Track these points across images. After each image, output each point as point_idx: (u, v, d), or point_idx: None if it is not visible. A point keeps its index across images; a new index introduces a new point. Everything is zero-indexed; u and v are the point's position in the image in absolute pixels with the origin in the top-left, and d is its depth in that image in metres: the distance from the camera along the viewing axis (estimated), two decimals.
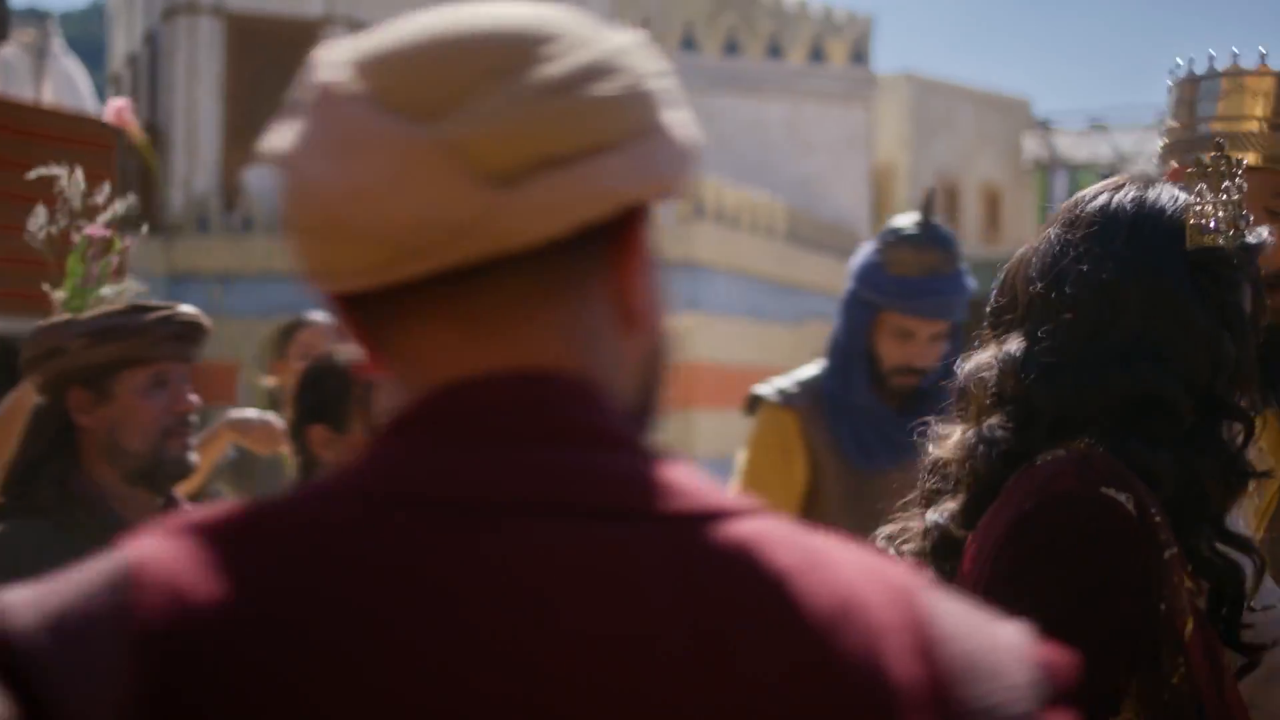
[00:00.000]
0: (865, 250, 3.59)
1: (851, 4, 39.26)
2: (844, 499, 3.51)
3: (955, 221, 27.91)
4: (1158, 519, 1.48)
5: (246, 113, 15.16)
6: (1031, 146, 27.36)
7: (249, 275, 13.86)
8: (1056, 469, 1.54)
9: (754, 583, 0.85)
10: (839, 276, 13.78)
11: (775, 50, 16.72)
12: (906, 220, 3.60)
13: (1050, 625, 0.98)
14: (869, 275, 3.50)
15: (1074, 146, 27.03)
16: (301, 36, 15.57)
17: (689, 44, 16.60)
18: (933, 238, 3.52)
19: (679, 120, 0.91)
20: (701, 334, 13.42)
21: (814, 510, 3.53)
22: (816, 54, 16.78)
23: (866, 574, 0.88)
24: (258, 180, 13.61)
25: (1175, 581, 1.48)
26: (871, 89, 17.02)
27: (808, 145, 16.81)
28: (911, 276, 3.45)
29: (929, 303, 3.44)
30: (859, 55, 17.02)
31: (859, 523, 3.57)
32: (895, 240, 3.53)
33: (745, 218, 14.14)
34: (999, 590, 1.46)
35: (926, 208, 3.57)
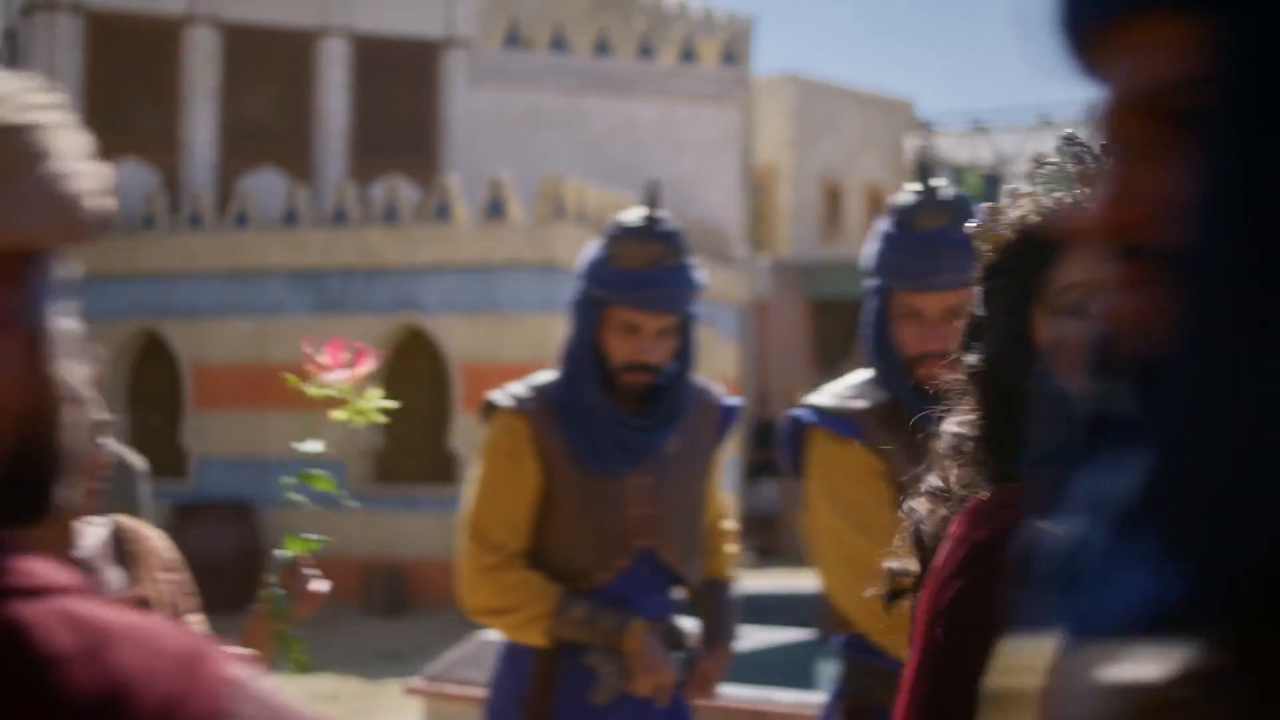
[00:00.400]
0: (591, 247, 3.54)
1: (732, 4, 39.38)
2: (579, 504, 3.46)
3: (839, 223, 28.03)
4: None
5: (106, 109, 14.92)
6: (914, 148, 27.56)
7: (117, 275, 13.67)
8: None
9: (12, 671, 0.79)
10: (710, 278, 13.69)
11: (647, 51, 16.69)
12: (632, 214, 3.52)
13: None
14: (594, 271, 3.44)
15: (956, 148, 27.28)
16: (162, 34, 15.35)
17: (559, 44, 16.53)
18: (656, 230, 3.45)
19: (64, 174, 0.85)
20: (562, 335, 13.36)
21: (550, 516, 3.48)
22: (688, 54, 16.76)
23: (151, 654, 0.82)
24: (121, 177, 13.40)
25: None
26: (744, 90, 17.02)
27: (679, 147, 16.79)
28: (635, 269, 3.38)
29: (652, 295, 3.37)
30: (731, 56, 17.02)
31: (596, 526, 3.54)
32: (619, 234, 3.46)
33: (609, 219, 14.09)
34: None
35: (651, 201, 3.52)
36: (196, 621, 2.42)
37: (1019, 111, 27.77)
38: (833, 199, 27.84)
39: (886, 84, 65.88)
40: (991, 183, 28.05)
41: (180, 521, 12.30)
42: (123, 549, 2.35)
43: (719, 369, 16.31)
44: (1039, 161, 1.71)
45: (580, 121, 16.42)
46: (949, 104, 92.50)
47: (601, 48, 16.58)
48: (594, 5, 21.21)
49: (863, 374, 3.07)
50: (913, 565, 1.66)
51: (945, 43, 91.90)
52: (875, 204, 28.79)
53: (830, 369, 25.55)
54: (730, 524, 3.84)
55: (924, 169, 3.12)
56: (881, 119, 28.37)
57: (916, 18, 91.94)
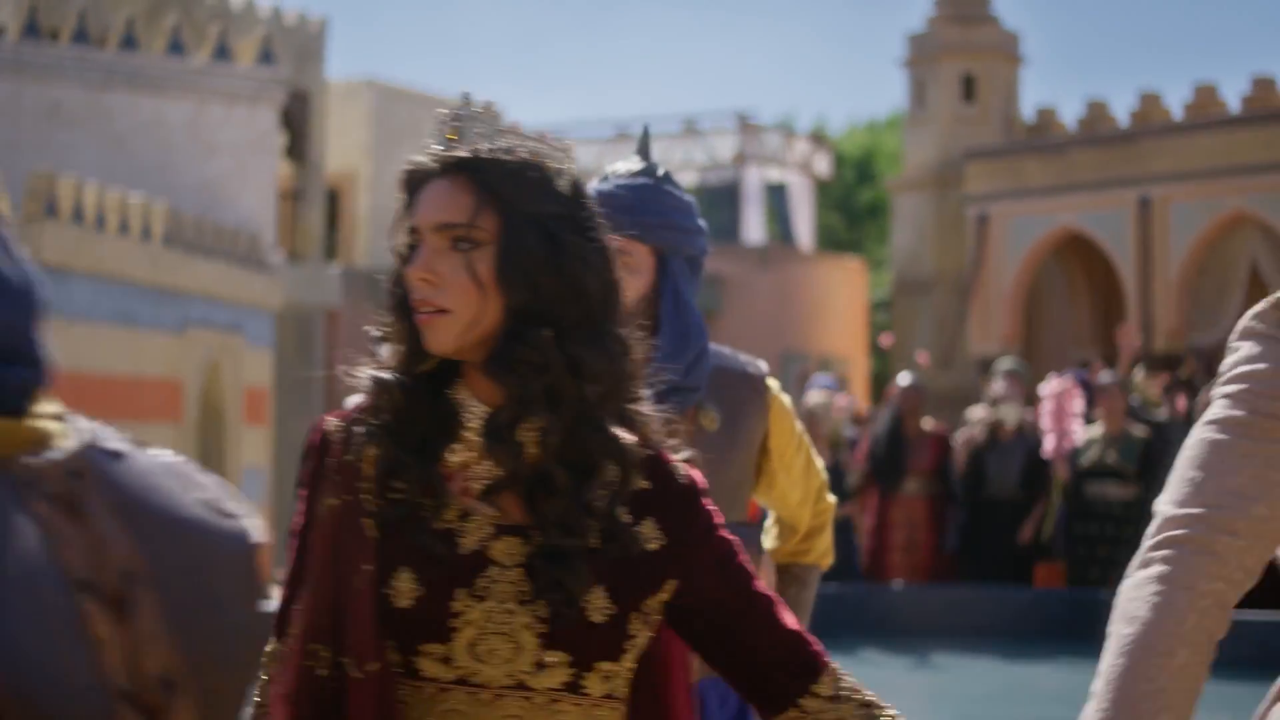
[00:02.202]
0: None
1: (305, 6, 38.71)
2: None
3: None
4: None
5: None
6: None
7: None
8: None
9: None
10: (236, 283, 13.21)
11: (178, 47, 16.05)
12: (626, 164, 3.26)
13: None
14: None
15: None
16: None
17: (83, 36, 15.76)
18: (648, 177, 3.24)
19: None
20: (53, 340, 12.65)
21: None
22: (222, 52, 16.20)
23: None
24: None
25: None
26: (279, 91, 16.55)
27: (211, 147, 16.21)
28: None
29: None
30: (267, 55, 16.52)
31: None
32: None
33: (113, 219, 13.44)
34: None
35: (643, 150, 3.27)
36: None
37: (597, 125, 27.94)
38: None
39: (477, 91, 67.05)
40: None
41: None
42: None
43: (249, 377, 15.79)
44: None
45: (104, 118, 15.68)
46: (535, 115, 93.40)
47: (129, 42, 15.86)
48: (155, 3, 20.43)
49: None
50: None
51: (535, 50, 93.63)
52: None
53: None
54: (827, 503, 3.57)
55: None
56: None
57: (505, 25, 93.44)
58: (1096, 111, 23.27)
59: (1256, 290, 20.30)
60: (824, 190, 39.97)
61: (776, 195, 27.03)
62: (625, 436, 1.98)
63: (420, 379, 1.99)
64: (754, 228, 26.23)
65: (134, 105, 15.86)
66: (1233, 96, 21.91)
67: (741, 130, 25.95)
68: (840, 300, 26.43)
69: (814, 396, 11.56)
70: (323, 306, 21.86)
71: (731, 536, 2.08)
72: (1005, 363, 12.27)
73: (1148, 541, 2.10)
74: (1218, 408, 2.16)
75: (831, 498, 3.61)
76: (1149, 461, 10.67)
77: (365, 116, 26.04)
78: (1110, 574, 10.60)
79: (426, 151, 1.98)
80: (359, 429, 1.98)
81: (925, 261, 24.31)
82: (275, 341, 17.10)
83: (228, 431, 15.39)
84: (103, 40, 16.40)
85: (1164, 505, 2.11)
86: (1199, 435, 2.15)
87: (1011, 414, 11.21)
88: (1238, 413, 2.14)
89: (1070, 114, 24.18)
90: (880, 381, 25.56)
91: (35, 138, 15.38)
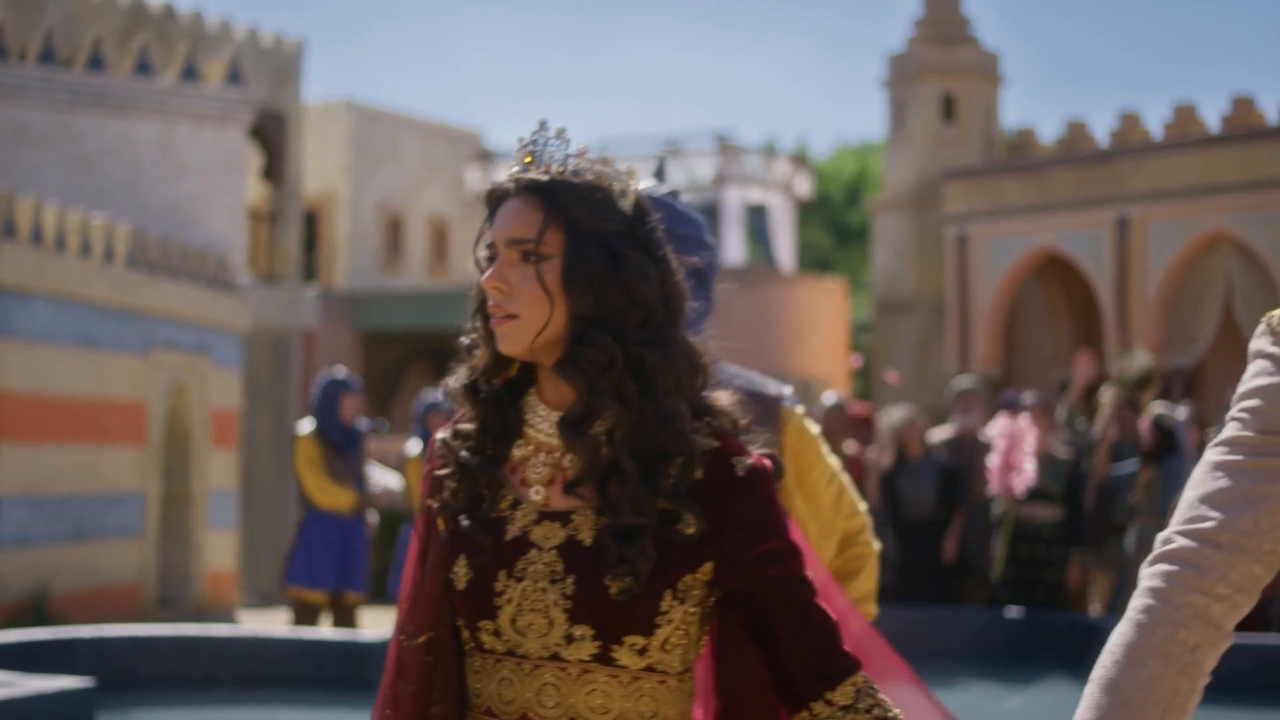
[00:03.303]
0: None
1: (282, 26, 38.69)
2: None
3: (401, 253, 27.67)
4: None
5: None
6: (475, 178, 27.41)
7: None
8: None
9: None
10: (203, 304, 13.10)
11: (145, 68, 15.97)
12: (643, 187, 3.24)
13: None
14: None
15: None
16: None
17: (49, 57, 15.68)
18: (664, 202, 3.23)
19: None
20: (12, 362, 12.57)
21: None
22: (190, 73, 16.11)
23: None
24: None
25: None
26: (248, 111, 16.46)
27: (180, 168, 16.11)
28: None
29: None
30: (235, 75, 16.43)
31: None
32: None
33: (74, 239, 13.34)
34: None
35: (659, 174, 3.21)
36: None
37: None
38: (394, 229, 27.46)
39: (457, 115, 66.67)
40: None
41: None
42: None
43: (217, 399, 15.67)
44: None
45: (71, 139, 15.59)
46: (514, 136, 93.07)
47: (96, 63, 15.78)
48: (131, 22, 20.34)
49: None
50: None
51: (513, 74, 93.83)
52: (439, 234, 28.48)
53: (381, 401, 25.10)
54: (867, 540, 3.48)
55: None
56: (446, 149, 28.13)
57: (482, 47, 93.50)
58: (1076, 131, 23.20)
59: (1234, 310, 20.21)
60: (813, 211, 39.95)
61: (757, 216, 26.96)
62: (694, 428, 2.19)
63: (498, 386, 2.26)
64: (734, 248, 26.15)
65: (101, 126, 15.78)
66: (1212, 116, 21.84)
67: (721, 151, 25.88)
68: (821, 321, 26.34)
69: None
70: (300, 328, 21.76)
71: (795, 539, 2.24)
72: (962, 381, 12.15)
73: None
74: (1227, 429, 2.20)
75: (875, 543, 3.47)
76: (1073, 483, 10.59)
77: (344, 137, 25.99)
78: (1037, 594, 10.49)
79: (507, 173, 2.23)
80: (444, 435, 2.29)
81: (906, 282, 24.22)
82: (244, 363, 16.98)
83: (194, 454, 15.27)
84: (70, 61, 16.32)
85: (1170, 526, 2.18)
86: (1205, 457, 2.20)
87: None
88: (1239, 431, 2.17)
89: (1050, 134, 24.08)
90: (859, 395, 25.46)
91: (2, 160, 15.29)
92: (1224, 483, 2.15)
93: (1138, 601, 2.13)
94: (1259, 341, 2.23)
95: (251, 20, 22.57)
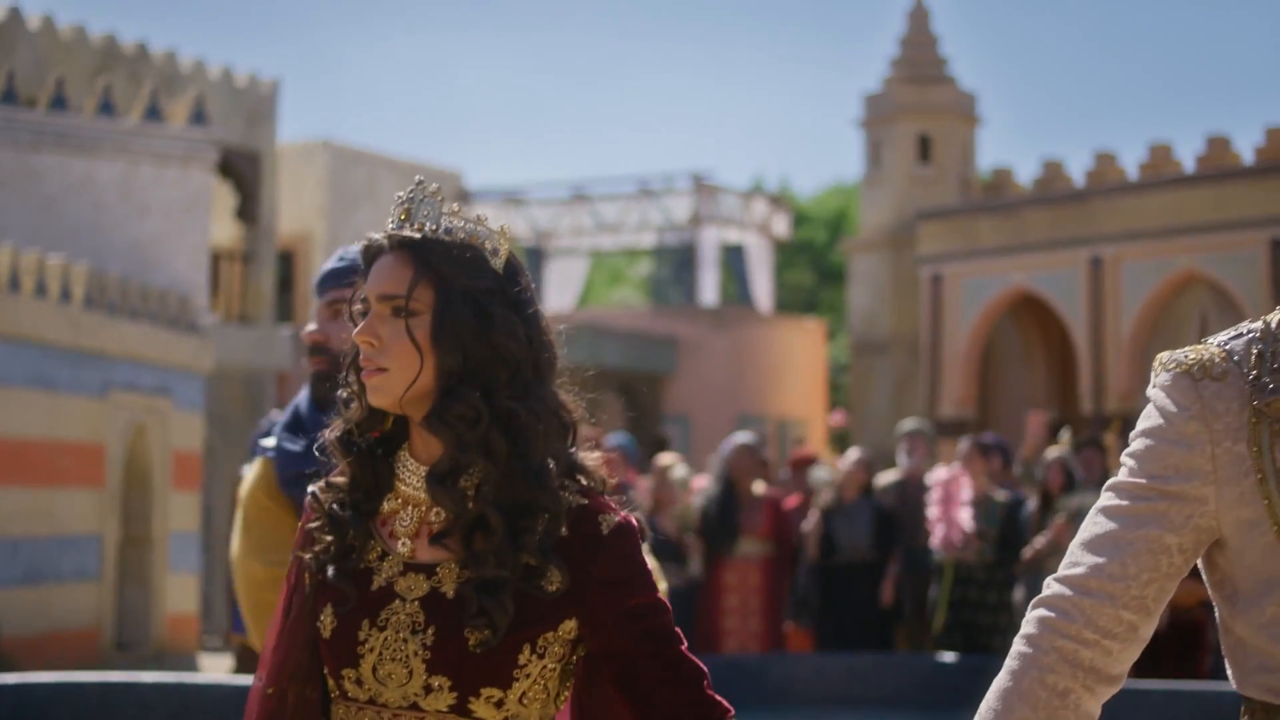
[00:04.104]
0: None
1: (258, 67, 38.60)
2: None
3: None
4: None
5: None
6: None
7: None
8: None
9: None
10: (163, 345, 12.95)
11: (108, 108, 15.90)
12: None
13: None
14: None
15: (492, 220, 27.00)
16: None
17: (11, 97, 15.61)
18: None
19: None
20: None
21: None
22: (154, 112, 16.04)
23: None
24: None
25: None
26: (212, 150, 16.39)
27: (143, 208, 16.03)
28: None
29: None
30: (200, 115, 16.37)
31: None
32: None
33: (28, 280, 13.23)
34: None
35: None
36: None
37: (554, 186, 27.82)
38: None
39: (436, 156, 66.93)
40: (534, 256, 28.02)
41: None
42: None
43: (178, 441, 15.55)
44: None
45: (33, 179, 15.51)
46: (491, 177, 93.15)
47: (59, 103, 15.71)
48: (102, 61, 20.30)
49: None
50: None
51: (490, 115, 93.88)
52: None
53: None
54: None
55: None
56: None
57: (464, 90, 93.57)
58: (1052, 171, 23.18)
59: None
60: (798, 252, 39.90)
61: (734, 256, 26.89)
62: (562, 485, 2.25)
63: (372, 440, 2.32)
64: (711, 289, 26.07)
65: (64, 166, 15.69)
66: (1188, 156, 21.82)
67: (697, 191, 25.82)
68: (799, 362, 26.24)
69: (666, 459, 11.25)
70: (274, 369, 21.66)
71: (657, 598, 2.28)
72: (908, 424, 12.05)
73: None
74: (1119, 472, 2.21)
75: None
76: (1008, 526, 10.49)
77: (320, 178, 25.92)
78: (973, 638, 10.36)
79: (383, 229, 2.31)
80: (316, 488, 2.34)
81: (882, 322, 24.15)
82: (208, 404, 16.86)
83: (154, 496, 15.13)
84: (32, 101, 16.26)
85: None
86: (1098, 501, 2.22)
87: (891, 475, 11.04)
88: (1125, 475, 2.18)
89: (1026, 174, 24.08)
90: (842, 445, 25.33)
91: None
92: (1101, 527, 2.17)
93: (1013, 648, 2.16)
94: (1152, 384, 2.22)
95: (226, 60, 22.55)
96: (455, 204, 2.31)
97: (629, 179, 26.73)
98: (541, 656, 2.23)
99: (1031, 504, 10.59)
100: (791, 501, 11.31)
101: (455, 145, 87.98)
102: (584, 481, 2.29)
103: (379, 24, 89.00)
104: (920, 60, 24.57)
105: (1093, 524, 2.19)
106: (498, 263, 2.29)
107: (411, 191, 2.31)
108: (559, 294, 27.51)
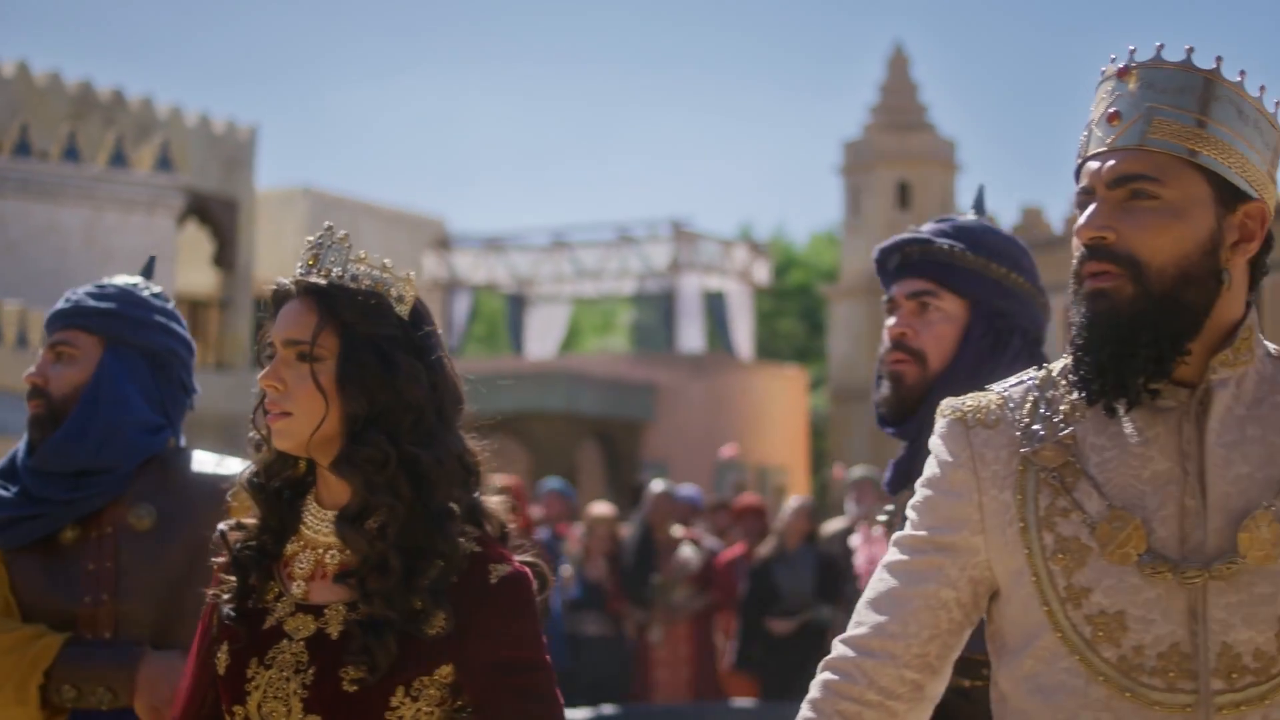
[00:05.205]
0: None
1: (236, 113, 38.66)
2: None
3: None
4: None
5: None
6: (433, 265, 27.30)
7: None
8: None
9: None
10: None
11: (73, 154, 15.89)
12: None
13: None
14: None
15: (473, 267, 27.04)
16: None
17: None
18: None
19: None
20: None
21: None
22: (119, 159, 16.03)
23: None
24: None
25: None
26: (178, 197, 16.37)
27: (108, 254, 15.97)
28: None
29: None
30: (165, 161, 16.35)
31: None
32: None
33: None
34: None
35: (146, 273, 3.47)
36: None
37: (534, 233, 27.81)
38: None
39: (417, 202, 66.90)
40: (515, 303, 27.98)
41: None
42: None
43: None
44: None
45: None
46: (470, 224, 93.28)
47: (23, 148, 15.70)
48: (77, 108, 20.32)
49: None
50: None
51: (470, 162, 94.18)
52: None
53: None
54: None
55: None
56: (405, 236, 28.06)
57: (445, 138, 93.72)
58: (1031, 218, 23.18)
59: None
60: (786, 298, 39.85)
61: (715, 303, 26.83)
62: (461, 530, 2.28)
63: (279, 483, 2.37)
64: (692, 336, 26.01)
65: (27, 211, 15.66)
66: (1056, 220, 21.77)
67: (677, 238, 25.80)
68: (779, 409, 26.13)
69: (599, 509, 11.15)
70: (249, 416, 21.58)
71: (539, 657, 2.30)
72: (857, 471, 11.95)
73: None
74: (905, 525, 2.16)
75: None
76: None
77: (300, 224, 25.92)
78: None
79: (291, 275, 2.34)
80: (223, 528, 2.41)
81: (861, 369, 24.07)
82: None
83: None
84: None
85: None
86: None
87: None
88: (907, 528, 2.13)
89: (1006, 220, 24.03)
90: (822, 493, 25.22)
91: None
92: (885, 584, 2.12)
93: (800, 713, 2.10)
94: (934, 433, 2.17)
95: (205, 107, 22.57)
96: (362, 250, 2.33)
97: (609, 225, 26.73)
98: (416, 699, 2.25)
99: None
100: (734, 551, 11.20)
101: (437, 192, 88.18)
102: (486, 527, 2.34)
103: (361, 71, 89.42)
104: (900, 107, 24.60)
105: (878, 580, 2.14)
106: (403, 309, 2.31)
107: (320, 237, 2.36)
108: (540, 341, 27.47)
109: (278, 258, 25.47)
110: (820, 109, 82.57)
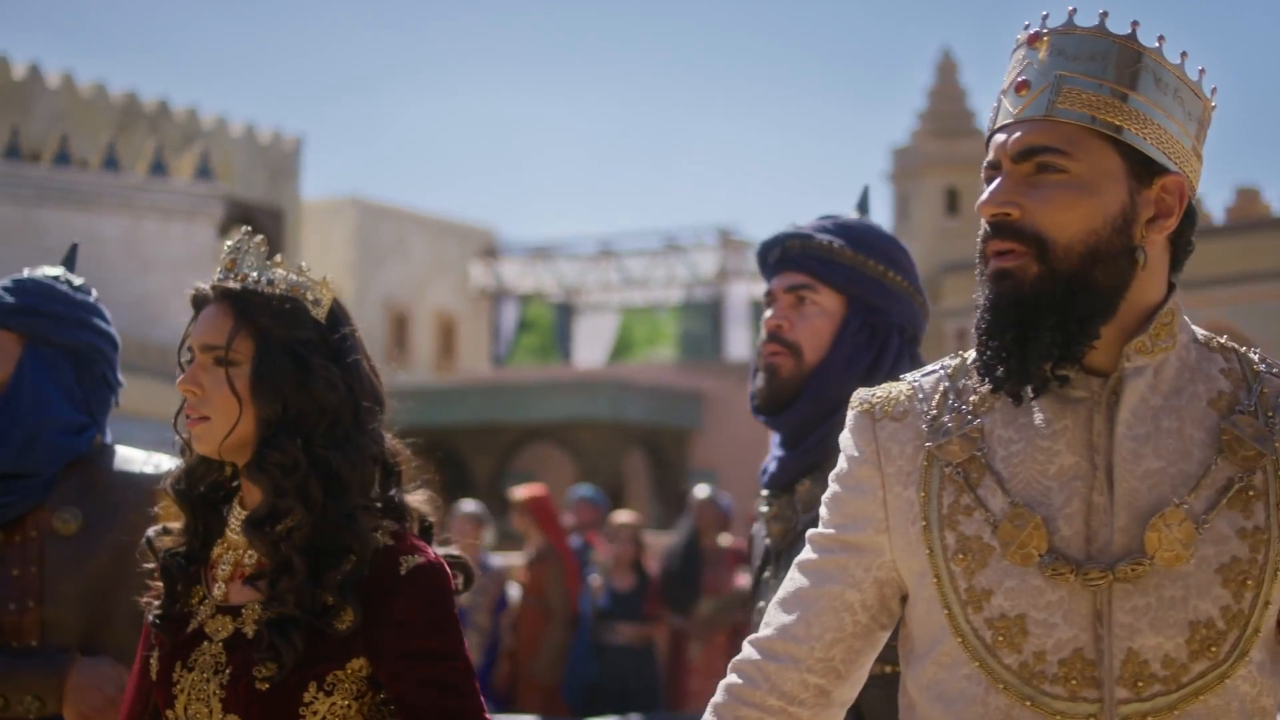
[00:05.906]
0: None
1: (283, 123, 38.78)
2: None
3: (406, 349, 27.54)
4: None
5: None
6: (479, 274, 27.29)
7: None
8: None
9: None
10: (166, 400, 13.08)
11: (112, 163, 15.95)
12: None
13: None
14: None
15: (520, 276, 27.03)
16: None
17: (15, 153, 15.69)
18: None
19: None
20: None
21: None
22: (159, 168, 16.08)
23: None
24: None
25: None
26: (217, 205, 16.41)
27: (147, 263, 16.04)
28: None
29: None
30: (205, 170, 16.40)
31: None
32: None
33: None
34: None
35: None
36: None
37: (582, 241, 27.76)
38: (399, 325, 27.34)
39: (466, 211, 66.94)
40: (563, 312, 27.94)
41: None
42: None
43: None
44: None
45: (35, 234, 15.54)
46: (519, 233, 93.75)
47: (63, 158, 15.78)
48: (125, 117, 20.41)
49: None
50: None
51: (517, 172, 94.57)
52: (446, 331, 28.34)
53: None
54: None
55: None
56: (454, 245, 28.07)
57: (496, 147, 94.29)
58: None
59: None
60: None
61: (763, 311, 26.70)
62: (375, 526, 2.29)
63: (207, 487, 2.39)
64: (740, 344, 25.87)
65: (67, 221, 15.73)
66: (1217, 207, 21.49)
67: (724, 245, 25.68)
68: None
69: (623, 516, 10.99)
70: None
71: (453, 647, 2.29)
72: None
73: None
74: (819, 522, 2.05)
75: None
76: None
77: (348, 234, 25.98)
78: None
79: (210, 279, 2.35)
80: (151, 533, 2.43)
81: None
82: None
83: None
84: (36, 156, 16.33)
85: None
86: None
87: None
88: (819, 526, 2.03)
89: None
90: None
91: None
92: (794, 584, 2.02)
93: (703, 716, 2.03)
94: (845, 426, 2.05)
95: (252, 117, 22.65)
96: (279, 254, 2.34)
97: (655, 234, 26.64)
98: (330, 694, 2.26)
99: None
100: None
101: (484, 201, 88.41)
102: (407, 524, 2.35)
103: (409, 81, 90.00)
104: (948, 113, 24.41)
105: (789, 578, 2.03)
106: (319, 312, 2.34)
107: (238, 242, 2.37)
108: (589, 349, 27.41)
109: (325, 267, 25.54)
110: (868, 115, 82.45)
